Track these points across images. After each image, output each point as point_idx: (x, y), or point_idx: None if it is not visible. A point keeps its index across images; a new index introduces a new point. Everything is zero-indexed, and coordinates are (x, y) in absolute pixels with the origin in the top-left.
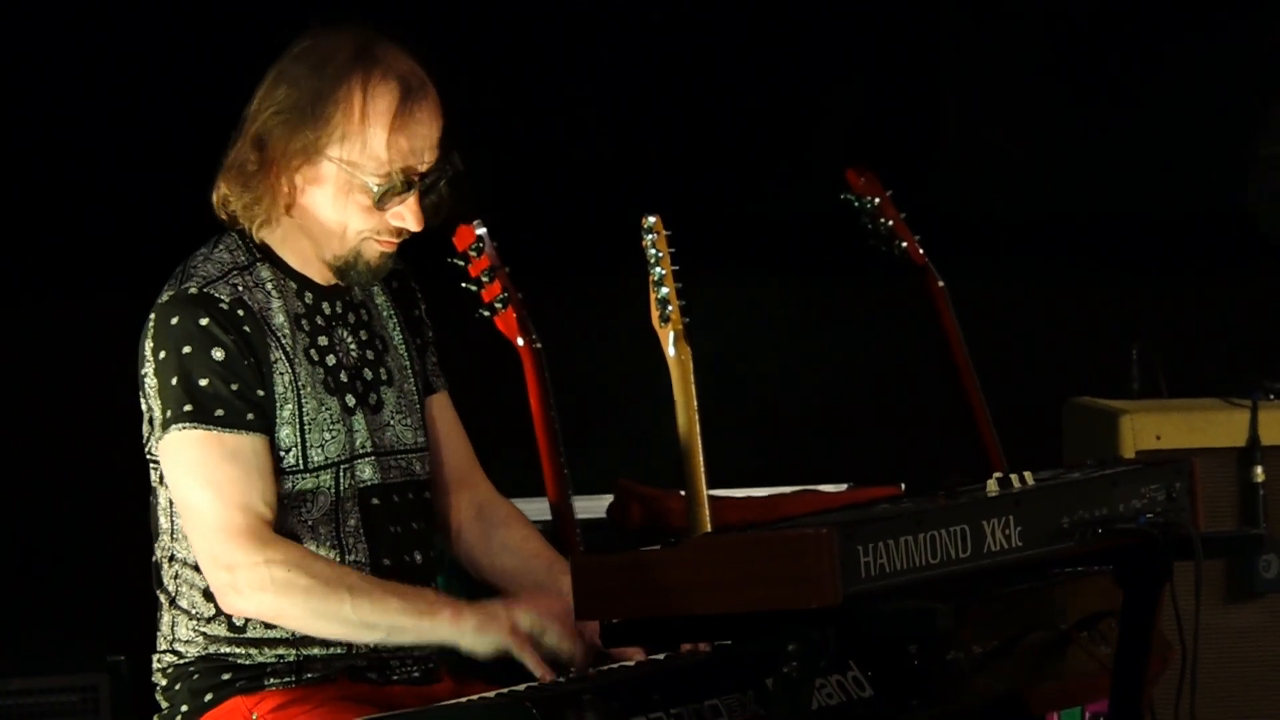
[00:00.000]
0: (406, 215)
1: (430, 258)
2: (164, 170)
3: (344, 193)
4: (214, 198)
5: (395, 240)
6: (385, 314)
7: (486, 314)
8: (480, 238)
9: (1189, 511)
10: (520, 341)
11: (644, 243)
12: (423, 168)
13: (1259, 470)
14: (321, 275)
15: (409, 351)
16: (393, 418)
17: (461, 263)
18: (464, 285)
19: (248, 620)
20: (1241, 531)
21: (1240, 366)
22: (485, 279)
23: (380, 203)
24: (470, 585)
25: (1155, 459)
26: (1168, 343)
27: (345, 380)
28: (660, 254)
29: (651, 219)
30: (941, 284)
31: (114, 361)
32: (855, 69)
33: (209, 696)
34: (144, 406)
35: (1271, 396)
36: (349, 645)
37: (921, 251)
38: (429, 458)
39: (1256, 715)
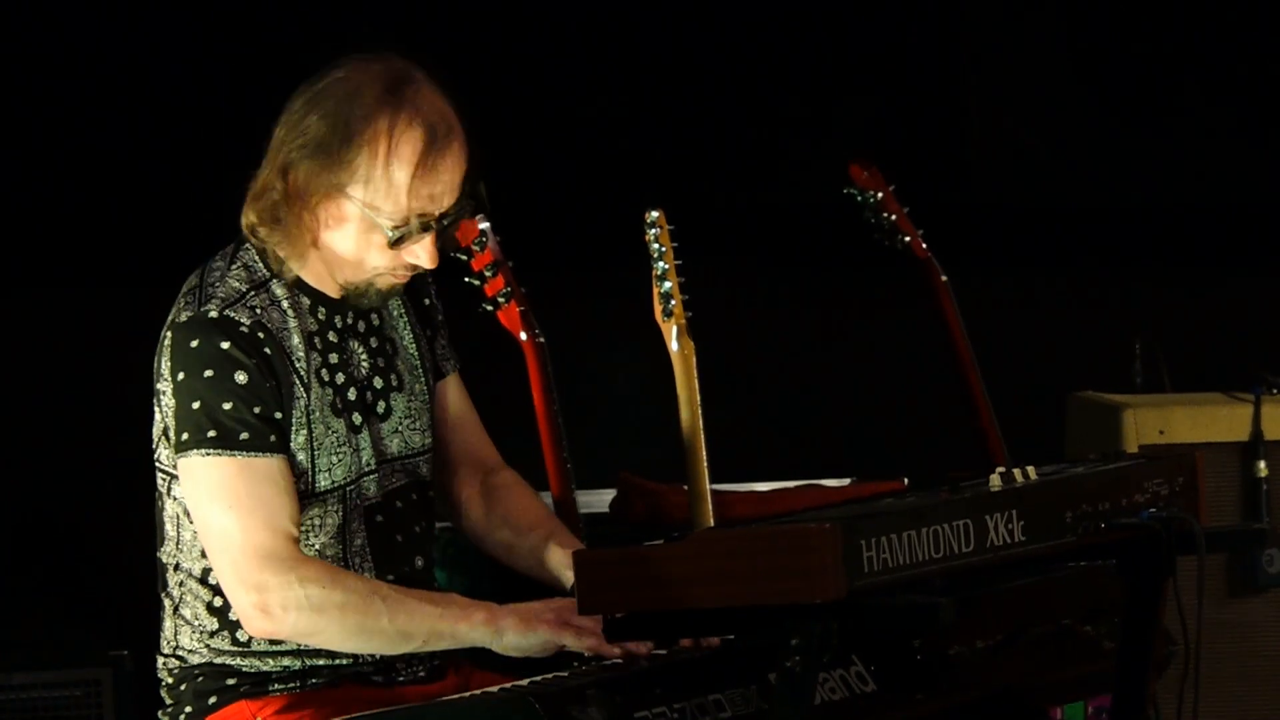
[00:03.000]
0: (421, 255)
1: None
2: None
3: (363, 232)
4: (243, 222)
5: (409, 274)
6: (396, 312)
7: (489, 309)
8: (483, 232)
9: (1192, 506)
10: (523, 336)
11: (647, 237)
12: (439, 211)
13: (1262, 465)
14: (335, 290)
15: (418, 347)
16: (401, 424)
17: (464, 257)
18: (467, 280)
19: (252, 635)
20: (1244, 526)
21: (1243, 361)
22: (488, 274)
23: (395, 245)
24: (469, 584)
25: (1158, 453)
26: (1171, 337)
27: (354, 398)
28: (663, 248)
29: (655, 213)
30: (944, 278)
31: (120, 357)
32: (863, 62)
33: (213, 699)
34: (157, 417)
35: (1275, 391)
36: (356, 654)
37: (924, 246)
38: (436, 440)
39: (1259, 710)
